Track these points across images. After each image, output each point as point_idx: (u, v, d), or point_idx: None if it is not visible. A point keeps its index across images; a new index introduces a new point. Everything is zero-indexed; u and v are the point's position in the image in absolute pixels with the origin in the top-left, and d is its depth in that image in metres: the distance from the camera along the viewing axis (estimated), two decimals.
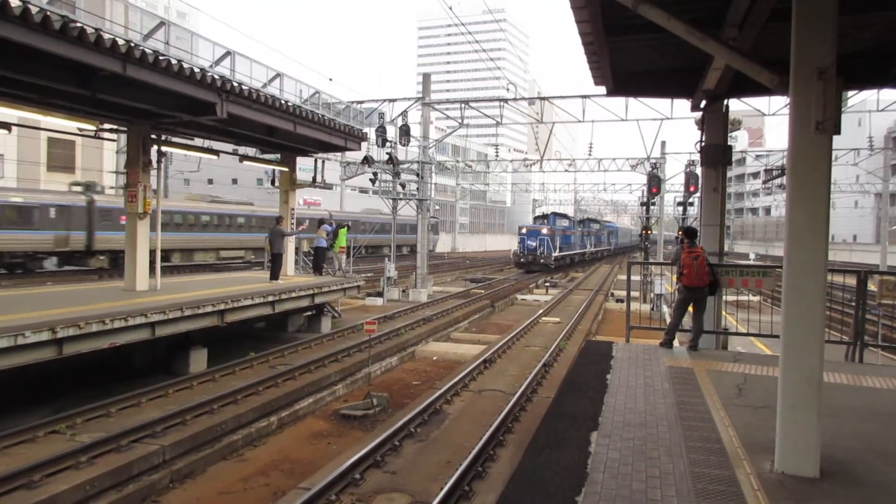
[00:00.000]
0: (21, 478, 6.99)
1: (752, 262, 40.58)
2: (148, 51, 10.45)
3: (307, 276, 19.45)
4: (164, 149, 14.59)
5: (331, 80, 29.65)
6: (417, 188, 28.00)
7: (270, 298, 14.58)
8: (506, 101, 27.89)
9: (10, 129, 12.51)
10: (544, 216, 46.80)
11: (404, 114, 26.23)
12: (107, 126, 14.23)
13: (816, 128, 4.63)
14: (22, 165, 34.50)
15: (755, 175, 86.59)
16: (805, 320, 4.81)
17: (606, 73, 10.17)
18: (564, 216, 50.10)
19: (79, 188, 30.57)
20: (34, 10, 8.39)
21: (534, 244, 41.57)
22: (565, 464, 5.11)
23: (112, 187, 36.79)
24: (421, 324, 19.24)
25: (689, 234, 9.58)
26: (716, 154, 11.18)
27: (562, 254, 44.66)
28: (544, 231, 42.33)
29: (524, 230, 43.93)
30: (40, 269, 28.40)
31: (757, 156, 59.73)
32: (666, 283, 24.61)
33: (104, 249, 29.59)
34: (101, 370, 11.87)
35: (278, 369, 12.51)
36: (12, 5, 8.08)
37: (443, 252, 63.82)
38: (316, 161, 20.96)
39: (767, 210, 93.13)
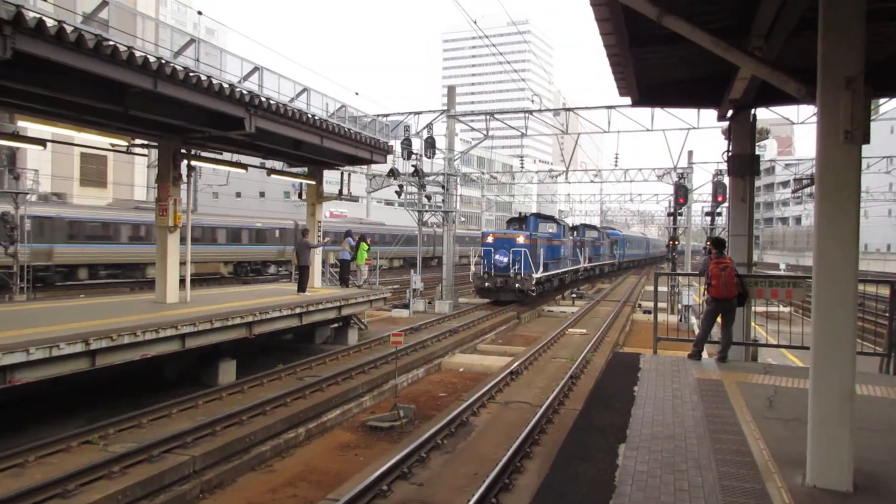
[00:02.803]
0: (56, 487, 7.15)
1: (781, 273, 39.90)
2: (178, 67, 10.67)
3: (334, 289, 19.60)
4: (193, 163, 14.87)
5: (357, 94, 29.93)
6: (443, 200, 28.11)
7: (298, 310, 14.71)
8: (531, 112, 27.96)
9: (45, 146, 12.87)
10: (521, 219, 31.49)
11: (430, 126, 26.40)
12: (138, 141, 14.55)
13: (845, 137, 4.57)
14: (56, 180, 35.31)
15: (785, 184, 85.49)
16: (836, 331, 4.74)
17: (631, 84, 10.15)
18: (550, 219, 34.42)
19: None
20: (69, 29, 8.64)
21: (505, 259, 27.45)
22: (593, 476, 5.09)
23: None
24: (447, 335, 19.24)
25: (717, 244, 9.48)
26: (743, 164, 11.09)
27: (547, 273, 29.65)
28: (520, 240, 27.80)
29: (490, 238, 29.01)
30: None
31: (786, 164, 58.96)
32: (694, 294, 24.37)
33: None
34: (132, 381, 12.09)
35: (306, 381, 12.60)
36: (48, 25, 8.33)
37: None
38: (342, 174, 21.16)
39: (798, 219, 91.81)
